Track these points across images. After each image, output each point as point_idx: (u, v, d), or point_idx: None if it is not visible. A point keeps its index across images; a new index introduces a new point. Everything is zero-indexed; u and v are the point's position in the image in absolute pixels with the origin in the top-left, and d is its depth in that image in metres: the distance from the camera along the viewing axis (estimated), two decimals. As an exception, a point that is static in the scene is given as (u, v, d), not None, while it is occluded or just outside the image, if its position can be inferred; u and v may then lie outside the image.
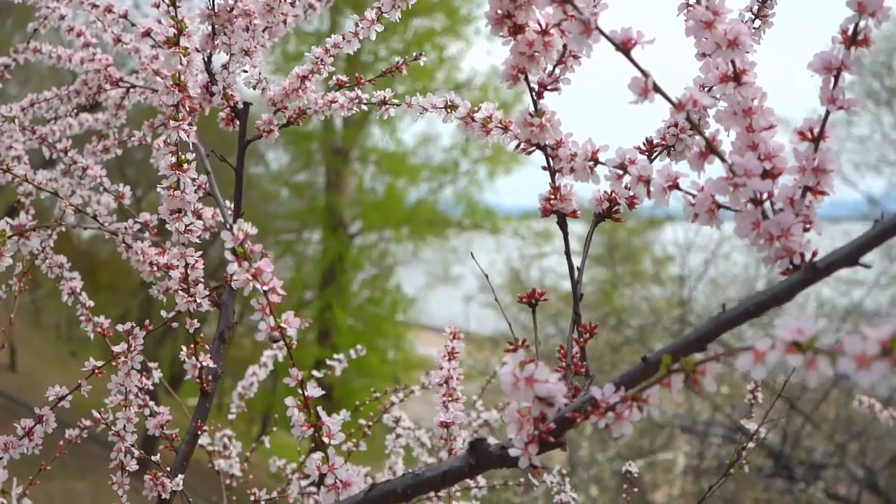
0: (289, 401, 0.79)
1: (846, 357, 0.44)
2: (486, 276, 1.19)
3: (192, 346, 1.12)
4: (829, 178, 0.64)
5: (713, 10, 0.66)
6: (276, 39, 1.23)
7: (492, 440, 1.54)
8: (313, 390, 0.79)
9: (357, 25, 1.07)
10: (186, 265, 1.01)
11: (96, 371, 1.08)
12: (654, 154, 0.82)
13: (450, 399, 1.11)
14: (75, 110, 1.40)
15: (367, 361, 9.85)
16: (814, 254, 0.62)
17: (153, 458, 1.08)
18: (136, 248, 1.16)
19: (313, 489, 1.62)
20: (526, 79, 0.74)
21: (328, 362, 1.52)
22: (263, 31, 1.11)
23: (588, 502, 6.01)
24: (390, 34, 10.46)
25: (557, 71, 0.75)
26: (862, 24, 0.63)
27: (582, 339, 0.75)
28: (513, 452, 0.66)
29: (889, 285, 8.36)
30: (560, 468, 1.33)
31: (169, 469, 1.08)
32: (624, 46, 0.62)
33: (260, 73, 1.10)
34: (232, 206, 1.22)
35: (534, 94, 0.75)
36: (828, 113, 0.64)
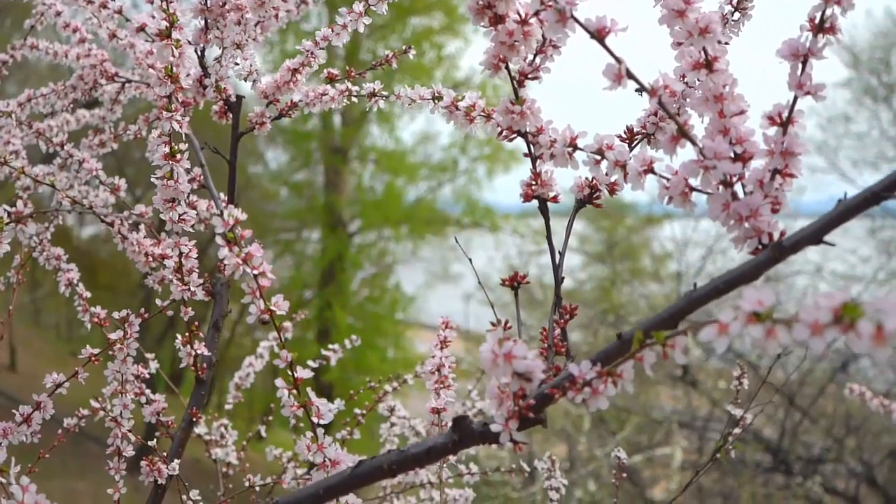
0: (279, 382, 0.81)
1: (801, 324, 0.46)
2: (476, 269, 1.20)
3: (186, 334, 1.14)
4: (797, 161, 0.66)
5: (685, 0, 0.68)
6: (270, 34, 1.25)
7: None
8: (303, 372, 0.81)
9: (345, 18, 1.09)
10: (181, 254, 1.04)
11: (93, 359, 1.10)
12: (635, 142, 0.85)
13: (441, 386, 1.13)
14: (72, 106, 1.42)
15: (366, 360, 9.87)
16: (781, 233, 0.64)
17: (150, 443, 1.10)
18: (131, 238, 1.18)
19: (308, 477, 1.64)
20: (507, 67, 0.76)
21: (323, 352, 1.54)
22: (255, 25, 1.13)
23: (587, 497, 6.03)
24: (389, 33, 10.48)
25: (538, 60, 0.78)
26: (828, 12, 0.66)
27: (563, 321, 0.78)
28: (494, 428, 0.68)
29: (887, 281, 8.38)
30: (551, 455, 1.35)
31: (165, 454, 1.10)
32: (598, 34, 0.65)
33: (251, 66, 1.12)
34: (226, 198, 1.25)
35: (515, 82, 0.77)
36: (795, 98, 0.66)
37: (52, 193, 1.30)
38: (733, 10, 0.89)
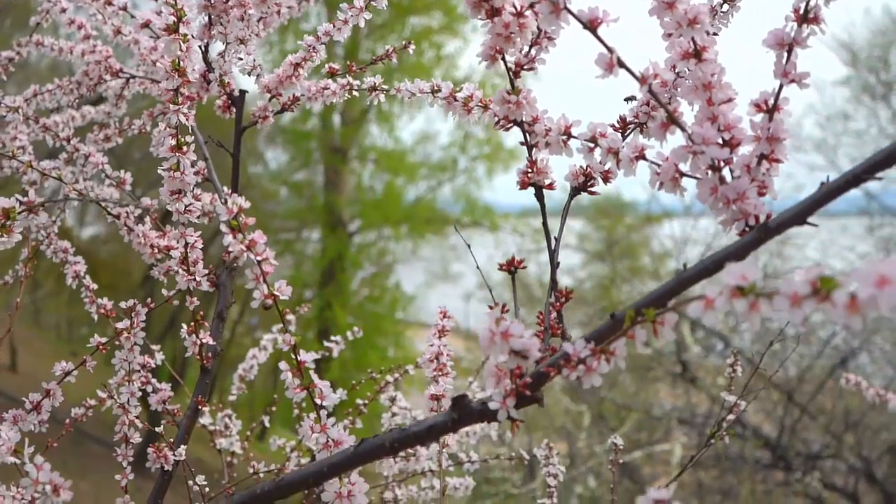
0: (283, 365, 0.84)
1: (781, 297, 0.49)
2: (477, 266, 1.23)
3: (192, 324, 1.17)
4: (783, 147, 0.68)
5: (674, -8, 0.71)
6: (271, 31, 1.28)
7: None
8: (306, 355, 0.84)
9: (346, 13, 1.12)
10: (186, 244, 1.06)
11: (101, 347, 1.13)
12: (628, 131, 0.87)
13: (440, 374, 1.16)
14: (77, 101, 1.45)
15: (367, 359, 9.90)
16: (767, 216, 0.66)
17: (157, 429, 1.12)
18: (137, 230, 1.20)
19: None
20: (503, 59, 0.79)
21: (326, 344, 1.56)
22: (258, 21, 1.16)
23: (587, 493, 6.05)
24: (388, 32, 10.51)
25: (533, 51, 0.80)
26: (812, 2, 0.68)
27: (558, 304, 0.80)
28: (492, 406, 0.71)
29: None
30: (549, 442, 1.38)
31: (172, 440, 1.13)
32: (591, 25, 0.67)
33: (255, 60, 1.15)
34: (229, 191, 1.27)
35: (511, 73, 0.79)
36: (781, 86, 0.69)
37: (52, 192, 1.33)
38: (722, 1, 0.91)
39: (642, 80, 0.68)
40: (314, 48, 1.16)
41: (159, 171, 1.00)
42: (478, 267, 1.16)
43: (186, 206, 1.01)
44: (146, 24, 1.22)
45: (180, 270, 1.11)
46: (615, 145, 0.75)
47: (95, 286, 1.31)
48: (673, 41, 0.74)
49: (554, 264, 0.82)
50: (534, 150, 0.82)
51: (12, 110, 1.34)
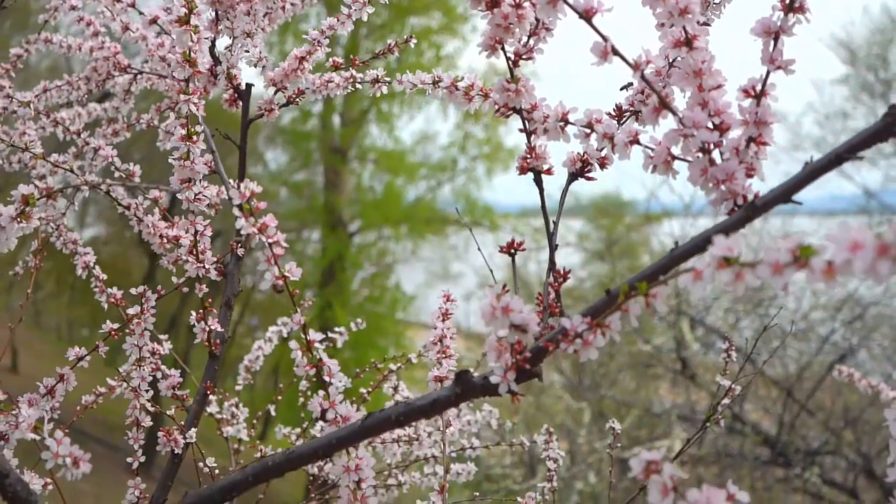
0: (293, 344, 0.87)
1: (764, 265, 0.52)
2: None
3: (200, 310, 1.20)
4: (770, 130, 0.72)
5: (666, -17, 0.74)
6: (274, 29, 1.31)
7: (487, 406, 1.61)
8: (315, 334, 0.87)
9: (350, 8, 1.15)
10: (196, 232, 1.09)
11: (112, 333, 1.16)
12: (624, 119, 0.90)
13: (444, 356, 1.19)
14: (86, 97, 1.48)
15: (367, 359, 9.93)
16: (755, 195, 0.70)
17: (168, 412, 1.15)
18: (146, 221, 1.24)
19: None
20: (503, 48, 0.82)
21: (330, 335, 1.59)
22: (264, 16, 1.19)
23: (588, 488, 6.09)
24: (387, 32, 10.55)
25: (531, 41, 0.84)
26: (798, -8, 0.71)
27: (557, 284, 0.83)
28: (493, 379, 0.74)
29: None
30: (548, 427, 1.41)
31: (183, 423, 1.16)
32: (586, 14, 0.71)
33: (260, 52, 1.18)
34: (237, 183, 1.31)
35: (510, 62, 0.83)
36: (768, 72, 0.72)
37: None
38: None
39: (635, 66, 0.71)
40: (318, 42, 1.19)
41: (170, 161, 1.03)
42: (486, 262, 1.18)
43: (196, 195, 1.04)
44: (154, 21, 1.26)
45: (189, 259, 1.14)
46: (610, 131, 0.78)
47: (105, 276, 1.35)
48: (665, 31, 0.77)
49: (552, 246, 0.86)
50: (532, 136, 0.86)
51: (24, 105, 1.37)
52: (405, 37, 1.23)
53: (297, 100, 1.23)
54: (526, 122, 0.85)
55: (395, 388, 1.63)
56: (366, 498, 0.84)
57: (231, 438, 1.53)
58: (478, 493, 1.55)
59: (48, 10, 1.55)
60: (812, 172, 0.65)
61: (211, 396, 1.42)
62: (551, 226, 0.86)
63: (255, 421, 1.66)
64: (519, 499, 0.97)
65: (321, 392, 0.86)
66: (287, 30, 9.45)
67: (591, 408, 7.05)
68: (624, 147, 0.77)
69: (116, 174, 1.34)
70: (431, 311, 1.21)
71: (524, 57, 0.83)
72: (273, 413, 1.69)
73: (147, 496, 1.14)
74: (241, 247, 1.17)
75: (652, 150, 0.76)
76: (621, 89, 0.92)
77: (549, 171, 0.87)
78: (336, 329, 1.63)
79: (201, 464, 1.21)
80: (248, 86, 1.24)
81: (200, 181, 1.06)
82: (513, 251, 0.87)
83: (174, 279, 1.18)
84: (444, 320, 1.17)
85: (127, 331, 1.19)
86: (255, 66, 1.19)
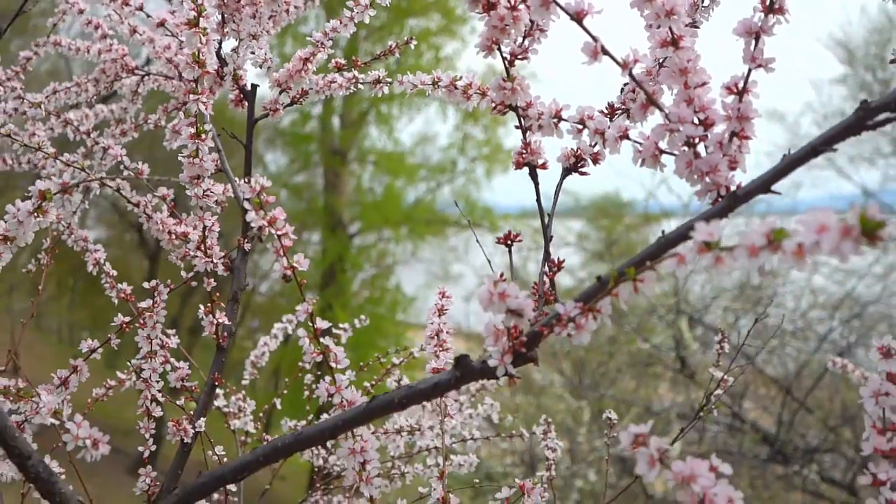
0: (301, 332, 0.91)
1: (740, 248, 0.56)
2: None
3: (209, 304, 1.24)
4: (751, 125, 0.76)
5: (653, -14, 0.78)
6: (279, 29, 1.35)
7: (488, 400, 1.65)
8: (321, 323, 0.91)
9: (352, 10, 1.19)
10: (204, 227, 1.13)
11: (124, 326, 1.20)
12: (616, 116, 0.95)
13: (441, 349, 1.23)
14: (94, 98, 1.52)
15: (368, 360, 9.97)
16: (738, 186, 0.74)
17: (178, 402, 1.19)
18: (155, 218, 1.28)
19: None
20: (499, 49, 0.86)
21: (334, 330, 1.63)
22: (269, 18, 1.23)
23: (588, 486, 6.13)
24: (386, 34, 10.60)
25: (526, 42, 0.88)
26: (777, -6, 0.76)
27: (551, 273, 0.87)
28: (491, 363, 0.78)
29: (885, 275, 8.47)
30: (547, 417, 1.45)
31: (192, 413, 1.20)
32: (577, 16, 0.75)
33: (266, 54, 1.22)
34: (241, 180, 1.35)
35: (506, 62, 0.87)
36: (749, 70, 0.76)
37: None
38: (704, -3, 0.99)
39: (623, 65, 0.75)
40: (322, 43, 1.23)
41: (179, 159, 1.07)
42: (488, 260, 1.22)
43: (205, 191, 1.08)
44: (161, 24, 1.30)
45: (198, 253, 1.18)
46: (601, 126, 0.83)
47: (115, 273, 1.39)
48: (653, 31, 0.81)
49: (547, 238, 0.90)
50: (528, 132, 0.90)
51: (35, 105, 1.42)
52: (405, 39, 1.27)
53: (301, 100, 1.27)
54: (521, 118, 0.89)
55: (398, 382, 1.67)
56: (370, 479, 0.88)
57: (238, 431, 1.57)
58: (478, 480, 1.58)
59: (57, 13, 1.59)
60: (790, 164, 0.69)
61: (218, 390, 1.46)
62: (546, 218, 0.90)
63: (261, 414, 1.70)
64: (517, 479, 1.01)
65: (328, 378, 0.90)
66: (286, 32, 9.50)
67: (591, 407, 7.09)
68: (614, 142, 0.81)
69: (125, 173, 1.38)
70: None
71: (519, 57, 0.87)
72: (279, 406, 1.73)
73: (158, 483, 1.18)
74: (247, 242, 1.21)
75: (641, 144, 0.80)
76: (621, 90, 0.96)
77: (543, 166, 0.91)
78: (340, 325, 1.67)
79: (210, 452, 1.25)
80: (254, 86, 1.29)
81: (208, 178, 1.10)
82: (509, 242, 0.91)
83: (183, 274, 1.22)
84: (440, 315, 1.21)
85: (137, 324, 1.23)
86: (261, 67, 1.23)
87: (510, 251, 0.92)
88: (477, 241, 1.17)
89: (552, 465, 1.44)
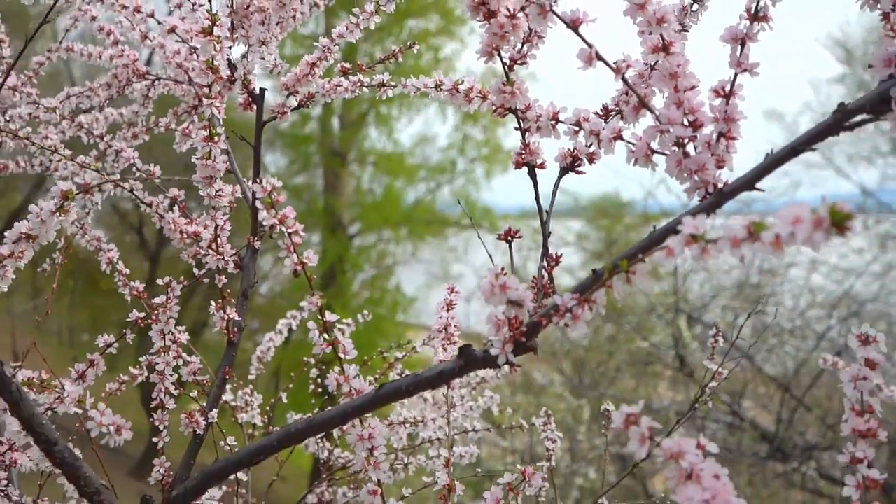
0: (311, 324, 0.96)
1: (723, 240, 0.61)
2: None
3: (220, 301, 1.29)
4: (738, 126, 0.80)
5: (644, -5, 0.83)
6: (286, 34, 1.40)
7: (488, 392, 1.69)
8: (331, 315, 0.96)
9: (358, 17, 1.24)
10: (216, 226, 1.18)
11: (139, 321, 1.24)
12: (610, 118, 0.99)
13: (448, 343, 1.27)
14: (107, 101, 1.57)
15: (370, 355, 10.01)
16: (725, 183, 0.78)
17: (191, 394, 1.24)
18: (168, 217, 1.32)
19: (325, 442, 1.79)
20: (499, 55, 0.91)
21: (338, 326, 1.67)
22: (276, 24, 1.28)
23: (587, 484, 6.17)
24: (385, 35, 10.64)
25: (525, 48, 0.92)
26: (762, 3, 0.80)
27: (550, 267, 0.92)
28: (492, 352, 0.83)
29: (882, 275, 8.51)
30: (547, 410, 1.49)
31: (204, 405, 1.25)
32: (573, 24, 0.79)
33: (275, 60, 1.27)
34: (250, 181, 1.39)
35: (506, 66, 0.91)
36: (736, 75, 0.81)
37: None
38: (692, 1, 1.03)
39: (616, 70, 0.80)
40: (329, 49, 1.28)
41: (193, 160, 1.12)
42: (490, 257, 1.26)
43: (217, 191, 1.13)
44: (172, 30, 1.35)
45: (210, 252, 1.23)
46: (596, 128, 0.87)
47: (128, 271, 1.43)
48: (645, 38, 0.86)
49: (546, 234, 0.94)
50: (527, 133, 0.94)
51: (51, 110, 1.46)
52: (408, 42, 1.32)
53: (308, 103, 1.32)
54: (521, 120, 0.94)
55: (401, 376, 1.71)
56: (378, 464, 0.92)
57: (245, 424, 1.62)
58: (479, 469, 1.63)
59: (70, 18, 1.64)
60: (772, 162, 0.74)
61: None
62: (545, 215, 0.95)
63: (267, 408, 1.74)
64: (519, 466, 1.06)
65: (337, 368, 0.95)
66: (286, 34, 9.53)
67: (591, 406, 7.13)
68: (609, 142, 0.86)
69: (137, 174, 1.43)
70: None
71: (518, 62, 0.92)
72: (285, 400, 1.78)
73: (171, 473, 1.22)
74: (257, 240, 1.25)
75: (633, 144, 0.85)
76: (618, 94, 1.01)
77: (542, 166, 0.96)
78: (343, 321, 1.71)
79: (221, 442, 1.30)
80: (262, 90, 1.33)
81: (221, 178, 1.15)
82: (510, 238, 0.96)
83: (195, 271, 1.27)
84: (448, 310, 1.26)
85: (150, 320, 1.28)
86: (272, 72, 1.28)
87: (510, 248, 0.97)
88: (479, 237, 1.22)
89: (552, 455, 1.49)
